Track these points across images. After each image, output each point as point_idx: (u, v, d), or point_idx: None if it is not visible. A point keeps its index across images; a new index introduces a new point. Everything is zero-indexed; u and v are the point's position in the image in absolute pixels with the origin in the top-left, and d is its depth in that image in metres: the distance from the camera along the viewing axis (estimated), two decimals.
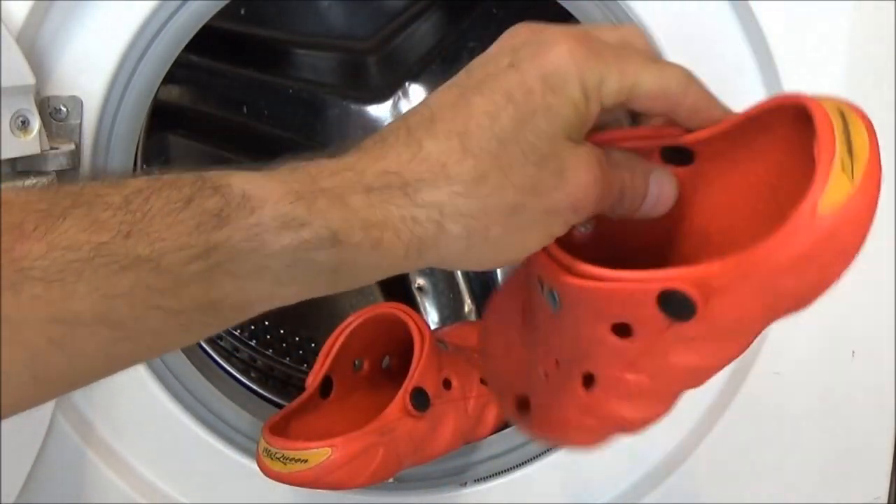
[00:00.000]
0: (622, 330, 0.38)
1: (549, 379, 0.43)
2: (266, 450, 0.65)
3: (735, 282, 0.36)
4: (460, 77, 0.40)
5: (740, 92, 0.66)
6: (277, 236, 0.35)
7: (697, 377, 0.40)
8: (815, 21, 0.65)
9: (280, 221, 0.35)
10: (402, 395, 0.67)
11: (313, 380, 0.73)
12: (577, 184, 0.38)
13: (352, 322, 0.74)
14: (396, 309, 0.73)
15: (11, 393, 0.34)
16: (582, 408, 0.42)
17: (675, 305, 0.36)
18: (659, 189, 0.42)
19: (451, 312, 1.08)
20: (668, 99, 0.39)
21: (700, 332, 0.38)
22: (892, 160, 0.67)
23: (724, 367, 0.40)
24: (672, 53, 0.65)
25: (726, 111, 0.41)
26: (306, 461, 0.63)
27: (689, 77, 0.40)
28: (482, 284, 1.08)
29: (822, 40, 0.65)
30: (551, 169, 0.38)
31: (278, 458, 0.64)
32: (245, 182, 0.36)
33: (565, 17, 0.69)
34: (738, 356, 0.40)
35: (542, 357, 0.44)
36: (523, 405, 0.46)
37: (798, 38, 0.65)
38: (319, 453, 0.63)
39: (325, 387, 0.73)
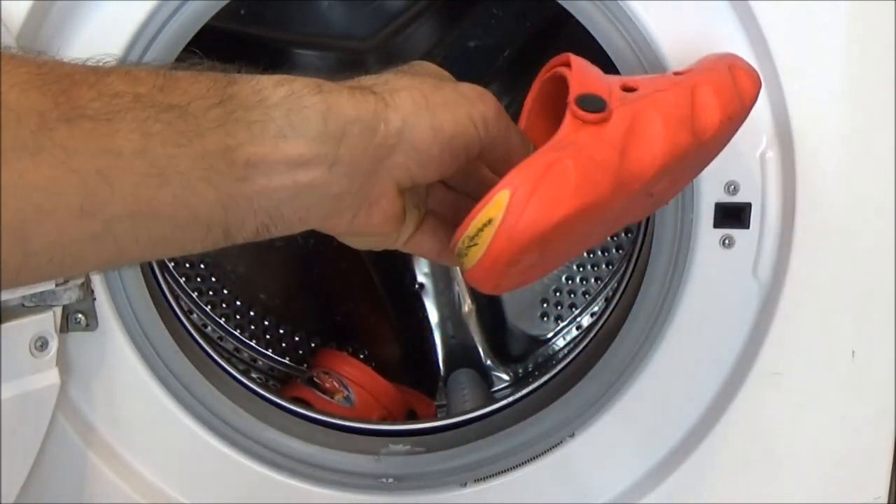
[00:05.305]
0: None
1: None
2: (460, 246, 0.50)
3: None
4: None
5: None
6: (275, 90, 0.45)
7: None
8: (815, 21, 0.65)
9: (275, 81, 0.46)
10: (569, 106, 0.51)
11: None
12: (472, 85, 0.53)
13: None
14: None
15: (60, 222, 0.39)
16: None
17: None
18: None
19: (450, 312, 1.08)
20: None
21: None
22: (892, 160, 0.67)
23: None
24: (672, 54, 0.65)
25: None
26: (490, 221, 0.48)
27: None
28: None
29: (822, 40, 0.65)
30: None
31: (469, 248, 0.50)
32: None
33: (565, 17, 0.69)
34: None
35: None
36: None
37: (798, 38, 0.65)
38: (498, 201, 0.48)
39: None
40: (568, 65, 0.55)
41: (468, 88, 0.52)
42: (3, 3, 0.60)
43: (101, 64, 0.43)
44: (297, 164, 0.45)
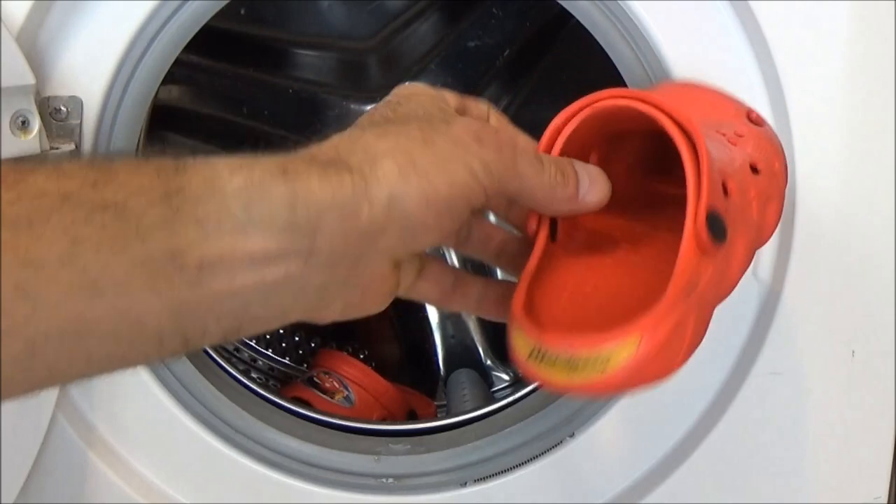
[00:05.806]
0: None
1: None
2: (537, 352, 0.45)
3: None
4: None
5: (740, 92, 0.66)
6: (231, 179, 0.38)
7: None
8: (815, 21, 0.65)
9: (231, 168, 0.39)
10: (693, 229, 0.44)
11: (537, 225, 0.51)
12: (467, 123, 0.45)
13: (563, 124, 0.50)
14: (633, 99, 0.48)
15: None
16: None
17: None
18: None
19: (450, 312, 1.08)
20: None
21: None
22: (892, 160, 0.67)
23: None
24: (672, 54, 0.65)
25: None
26: (608, 361, 0.44)
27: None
28: None
29: (822, 40, 0.65)
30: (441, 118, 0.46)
31: (562, 364, 0.45)
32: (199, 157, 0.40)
33: (565, 17, 0.69)
34: None
35: None
36: None
37: (798, 38, 0.65)
38: (625, 346, 0.43)
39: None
40: (652, 106, 0.46)
41: (462, 129, 0.44)
42: (2, 3, 0.60)
43: (25, 160, 0.39)
44: (263, 260, 0.38)
